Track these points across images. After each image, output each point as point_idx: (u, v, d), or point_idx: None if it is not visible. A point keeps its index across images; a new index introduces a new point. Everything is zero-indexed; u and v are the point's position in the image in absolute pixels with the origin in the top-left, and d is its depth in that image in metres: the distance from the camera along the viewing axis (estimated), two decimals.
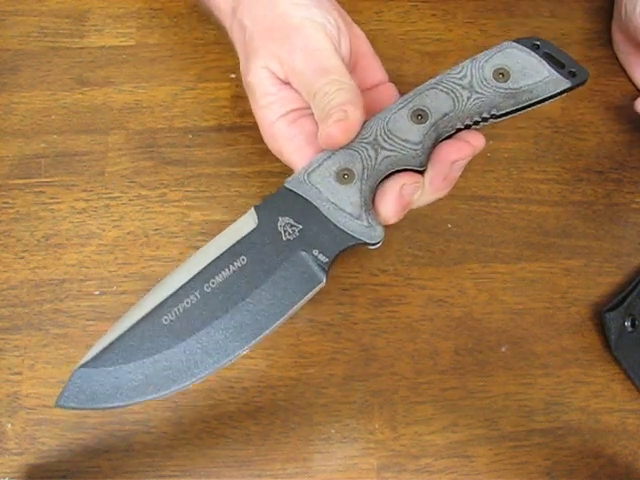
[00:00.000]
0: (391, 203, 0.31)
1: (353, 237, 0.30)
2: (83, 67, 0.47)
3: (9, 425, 0.38)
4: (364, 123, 0.31)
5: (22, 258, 0.42)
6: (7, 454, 0.37)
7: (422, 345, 0.41)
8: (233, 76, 0.47)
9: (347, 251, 0.31)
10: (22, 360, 0.39)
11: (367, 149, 0.31)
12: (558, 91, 0.32)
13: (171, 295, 0.29)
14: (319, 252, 0.30)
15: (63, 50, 0.48)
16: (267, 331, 0.29)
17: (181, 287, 0.29)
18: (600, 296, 0.43)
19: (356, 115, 0.30)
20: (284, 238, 0.30)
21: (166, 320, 0.28)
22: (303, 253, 0.30)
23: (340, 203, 0.30)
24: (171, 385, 0.28)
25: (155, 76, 0.47)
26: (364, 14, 0.50)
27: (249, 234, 0.30)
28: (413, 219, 0.44)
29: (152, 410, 0.38)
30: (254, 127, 0.34)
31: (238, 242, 0.30)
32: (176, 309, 0.28)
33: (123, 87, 0.47)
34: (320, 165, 0.31)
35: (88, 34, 0.49)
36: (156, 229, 0.43)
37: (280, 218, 0.30)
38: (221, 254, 0.29)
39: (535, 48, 0.33)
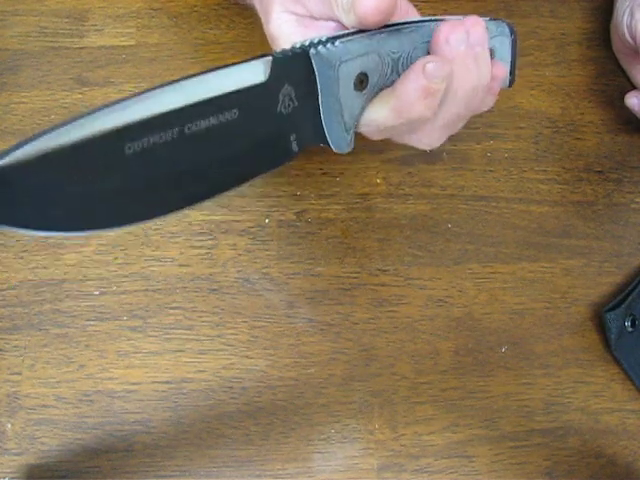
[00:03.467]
0: (412, 82, 0.27)
1: (328, 143, 0.30)
2: (83, 67, 0.47)
3: (9, 425, 0.38)
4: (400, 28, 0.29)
5: (22, 258, 0.42)
6: (7, 454, 0.37)
7: (422, 345, 0.41)
8: None
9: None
10: (22, 360, 0.39)
11: (389, 65, 0.29)
12: None
13: (144, 120, 0.23)
14: (294, 140, 0.29)
15: (63, 50, 0.48)
16: (216, 196, 0.27)
17: (158, 115, 0.24)
18: (600, 296, 0.43)
19: None
20: (278, 109, 0.28)
21: (129, 149, 0.23)
22: (285, 134, 0.28)
23: (344, 108, 0.29)
24: (101, 227, 0.23)
25: (155, 76, 0.47)
26: None
27: (252, 87, 0.27)
28: (413, 219, 0.44)
29: (152, 410, 0.39)
30: None
31: (238, 91, 0.26)
32: (145, 140, 0.24)
33: (123, 87, 0.47)
34: (352, 59, 0.28)
35: (88, 34, 0.48)
36: (156, 229, 0.43)
37: (286, 85, 0.28)
38: (215, 97, 0.25)
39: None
